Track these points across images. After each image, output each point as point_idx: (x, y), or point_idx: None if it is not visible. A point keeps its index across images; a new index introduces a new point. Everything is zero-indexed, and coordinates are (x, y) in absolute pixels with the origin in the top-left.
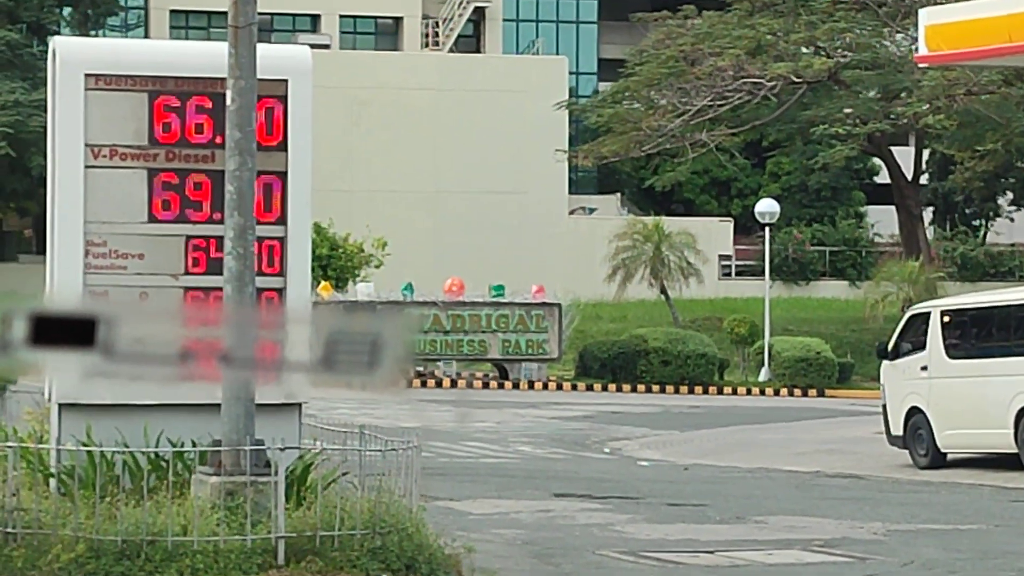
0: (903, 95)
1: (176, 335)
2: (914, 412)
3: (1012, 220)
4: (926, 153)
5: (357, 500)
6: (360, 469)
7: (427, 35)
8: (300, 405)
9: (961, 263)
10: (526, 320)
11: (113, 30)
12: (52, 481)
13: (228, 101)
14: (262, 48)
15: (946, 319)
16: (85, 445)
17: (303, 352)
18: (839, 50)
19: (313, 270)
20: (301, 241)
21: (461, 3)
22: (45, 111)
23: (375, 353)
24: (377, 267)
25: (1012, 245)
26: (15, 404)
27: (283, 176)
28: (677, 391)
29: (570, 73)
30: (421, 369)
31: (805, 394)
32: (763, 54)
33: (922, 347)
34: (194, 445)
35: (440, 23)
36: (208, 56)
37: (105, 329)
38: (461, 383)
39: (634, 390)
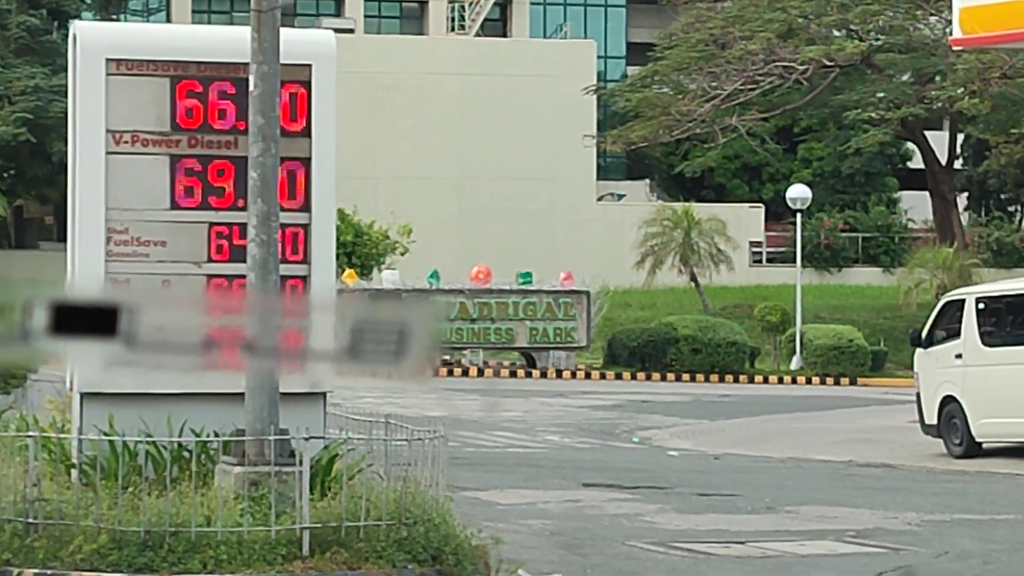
0: (937, 79)
1: (199, 323)
2: (948, 401)
3: None
4: (960, 137)
5: (383, 490)
6: (386, 459)
7: (453, 19)
8: (325, 394)
9: (996, 249)
10: (554, 308)
11: (134, 14)
12: (74, 471)
13: (251, 86)
14: (285, 33)
15: (981, 306)
16: (107, 435)
17: (328, 340)
18: (872, 33)
19: (337, 257)
20: (325, 228)
21: None
22: (66, 97)
23: (401, 342)
24: (402, 254)
25: None
26: (36, 393)
27: (307, 162)
28: (707, 380)
29: (598, 57)
30: (448, 358)
31: (837, 382)
32: (794, 37)
33: (956, 335)
34: (217, 435)
35: (466, 7)
36: (231, 41)
37: (127, 318)
38: (488, 372)
39: (663, 379)
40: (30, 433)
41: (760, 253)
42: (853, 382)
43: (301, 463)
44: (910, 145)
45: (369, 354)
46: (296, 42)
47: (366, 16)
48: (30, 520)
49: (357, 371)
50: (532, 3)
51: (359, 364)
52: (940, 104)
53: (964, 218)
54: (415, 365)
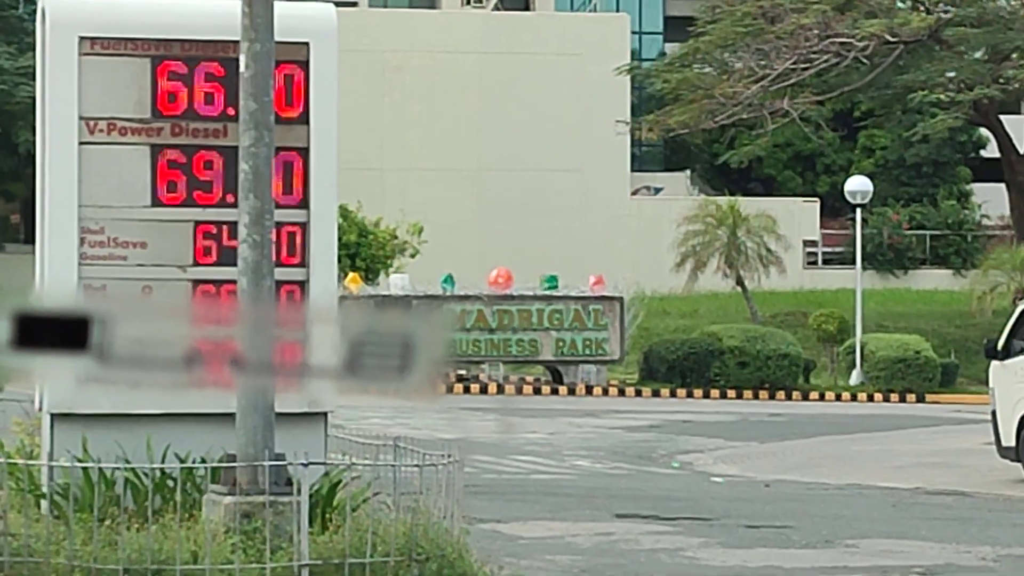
0: (1014, 56)
1: (183, 335)
2: None
3: None
4: None
5: (391, 522)
6: (394, 487)
7: None
8: (326, 414)
9: None
10: (583, 316)
11: None
12: (44, 502)
13: (242, 67)
14: (280, 7)
15: None
16: (81, 461)
17: (328, 355)
18: (941, 5)
19: (340, 260)
20: (326, 227)
21: None
22: (33, 80)
23: (407, 355)
24: (412, 256)
25: None
26: (1, 414)
27: (305, 153)
28: (756, 397)
29: (632, 33)
30: (463, 373)
31: (903, 399)
32: (853, 10)
33: None
34: (204, 460)
35: None
36: (219, 16)
37: (101, 329)
38: (509, 388)
39: (706, 396)
40: None
41: (815, 254)
42: (920, 399)
43: (299, 492)
44: (984, 131)
45: (373, 370)
46: (292, 17)
47: None
48: None
49: (360, 389)
50: None
51: (362, 381)
52: (1017, 85)
53: None
54: (423, 381)
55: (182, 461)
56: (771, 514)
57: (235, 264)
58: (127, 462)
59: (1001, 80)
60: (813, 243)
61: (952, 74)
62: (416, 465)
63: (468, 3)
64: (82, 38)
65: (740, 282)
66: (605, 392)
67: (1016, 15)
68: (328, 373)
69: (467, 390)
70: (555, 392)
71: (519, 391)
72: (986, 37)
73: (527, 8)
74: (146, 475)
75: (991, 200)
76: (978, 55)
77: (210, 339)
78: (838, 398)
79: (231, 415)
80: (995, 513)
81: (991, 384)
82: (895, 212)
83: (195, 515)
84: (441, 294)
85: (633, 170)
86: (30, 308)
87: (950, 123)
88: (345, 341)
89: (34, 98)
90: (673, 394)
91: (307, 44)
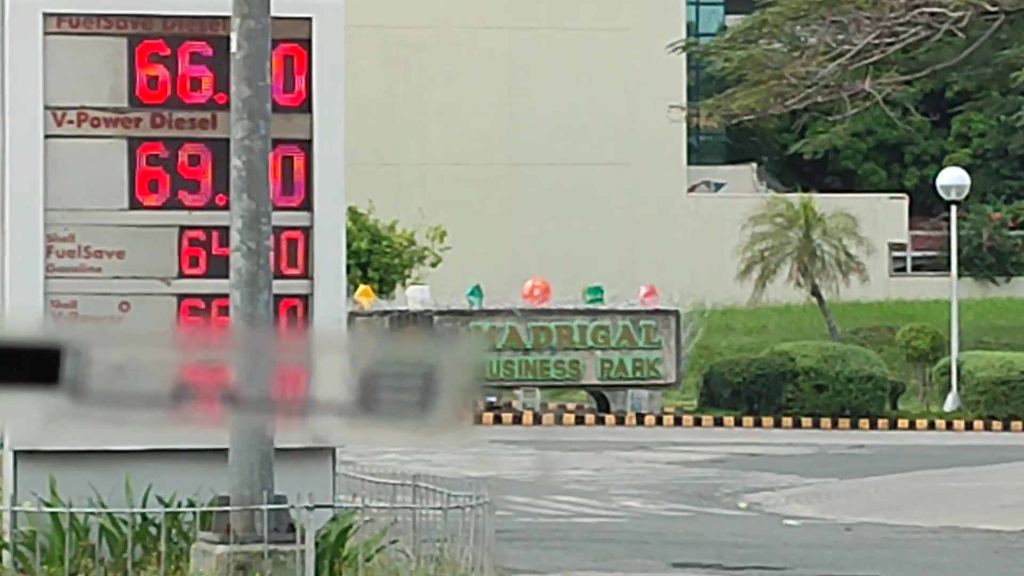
0: None
1: (169, 365)
2: None
3: None
4: None
5: (410, 574)
6: (414, 533)
7: None
8: (333, 450)
9: None
10: (632, 333)
11: None
12: (6, 553)
13: (233, 47)
14: None
15: None
16: (49, 505)
17: (337, 387)
18: None
19: (349, 270)
20: (332, 232)
21: None
22: None
23: (431, 387)
24: (433, 265)
25: None
26: None
27: (307, 146)
28: (835, 426)
29: (688, 4)
30: (494, 400)
31: (1007, 427)
32: None
33: None
34: (192, 504)
35: None
36: None
37: (75, 362)
38: (547, 418)
39: (777, 425)
40: None
41: (903, 259)
42: None
43: (303, 540)
44: None
45: (390, 404)
46: None
47: None
48: None
49: (376, 427)
50: None
51: (378, 417)
52: None
53: None
54: (449, 417)
55: (166, 505)
56: (854, 562)
57: (227, 276)
58: (102, 506)
59: None
60: (900, 247)
61: None
62: (439, 508)
63: None
64: (47, 15)
65: (816, 292)
66: (659, 421)
67: None
68: (338, 409)
69: (498, 420)
70: (601, 422)
71: (559, 421)
72: None
73: None
74: (124, 521)
75: None
76: None
77: (198, 369)
78: (931, 426)
79: (223, 451)
80: None
81: None
82: (996, 210)
83: (182, 567)
84: (467, 309)
85: (690, 163)
86: None
87: None
88: (357, 370)
89: None
90: (738, 423)
91: (309, 20)
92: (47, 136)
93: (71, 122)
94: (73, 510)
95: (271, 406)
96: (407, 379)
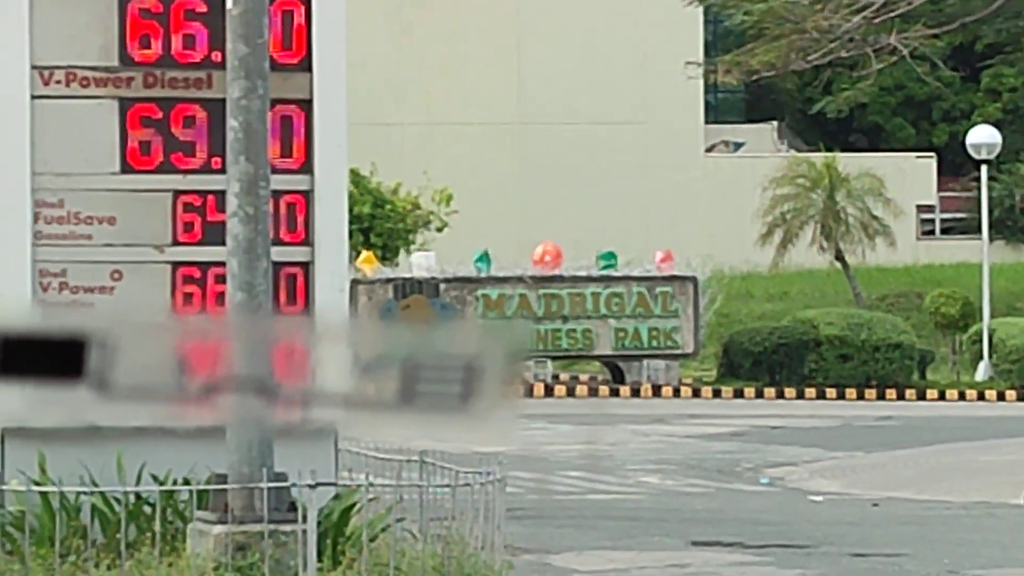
0: None
1: (162, 346)
2: None
3: None
4: None
5: (417, 555)
6: (421, 511)
7: None
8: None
9: None
10: (648, 301)
11: None
12: None
13: (229, 3)
14: None
15: None
16: (38, 484)
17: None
18: None
19: (351, 236)
20: (334, 196)
21: None
22: None
23: (472, 379)
24: (439, 230)
25: None
26: None
27: (307, 106)
28: (861, 397)
29: None
30: (527, 371)
31: None
32: None
33: None
34: (188, 482)
35: None
36: None
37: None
38: (559, 389)
39: (800, 396)
40: None
41: (932, 221)
42: None
43: (305, 519)
44: None
45: (430, 396)
46: None
47: None
48: None
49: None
50: None
51: (416, 410)
52: None
53: None
54: (490, 409)
55: (161, 483)
56: (881, 539)
57: (223, 243)
58: (94, 484)
59: None
60: (929, 208)
61: None
62: (447, 485)
63: None
64: None
65: (840, 257)
66: (676, 393)
67: None
68: (378, 402)
69: None
70: (615, 393)
71: (571, 392)
72: None
73: None
74: (117, 500)
75: None
76: None
77: (227, 361)
78: (961, 397)
79: (220, 427)
80: None
81: None
82: None
83: (178, 548)
84: (475, 276)
85: (708, 122)
86: (13, 328)
87: None
88: (398, 362)
89: None
90: (759, 394)
91: None
92: (34, 97)
93: (59, 82)
94: (64, 489)
95: (291, 397)
96: (449, 371)
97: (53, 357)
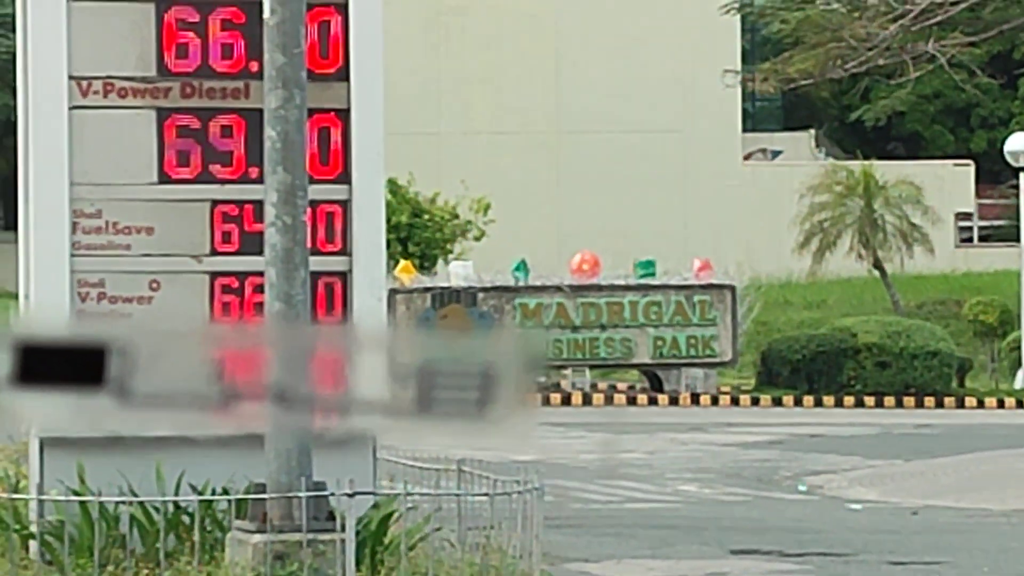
0: None
1: (212, 361)
2: None
3: None
4: None
5: (456, 563)
6: (459, 520)
7: None
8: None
9: None
10: (686, 309)
11: None
12: (33, 543)
13: (266, 13)
14: None
15: None
16: (77, 493)
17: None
18: None
19: (389, 245)
20: (371, 205)
21: None
22: (13, 32)
23: (489, 385)
24: (477, 239)
25: None
26: None
27: (344, 115)
28: (899, 404)
29: None
30: (542, 380)
31: None
32: None
33: None
34: (227, 492)
35: None
36: None
37: (120, 361)
38: (598, 398)
39: (839, 404)
40: None
41: (970, 228)
42: None
43: (343, 528)
44: None
45: (446, 403)
46: None
47: None
48: None
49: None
50: None
51: (433, 416)
52: None
53: None
54: (507, 415)
55: (200, 493)
56: (920, 548)
57: (261, 253)
58: (133, 494)
59: None
60: (967, 216)
61: None
62: (485, 494)
63: None
64: None
65: (878, 265)
66: (715, 401)
67: None
68: (395, 408)
69: (547, 401)
70: (654, 402)
71: (609, 401)
72: None
73: None
74: (156, 510)
75: None
76: None
77: (247, 367)
78: (1000, 405)
79: (259, 437)
80: None
81: None
82: None
83: (217, 558)
84: (512, 285)
85: (745, 130)
86: (36, 337)
87: None
88: (414, 369)
89: (14, 53)
90: (798, 402)
91: None
92: (72, 107)
93: (97, 93)
94: (103, 499)
95: (322, 405)
96: (465, 378)
97: (85, 367)
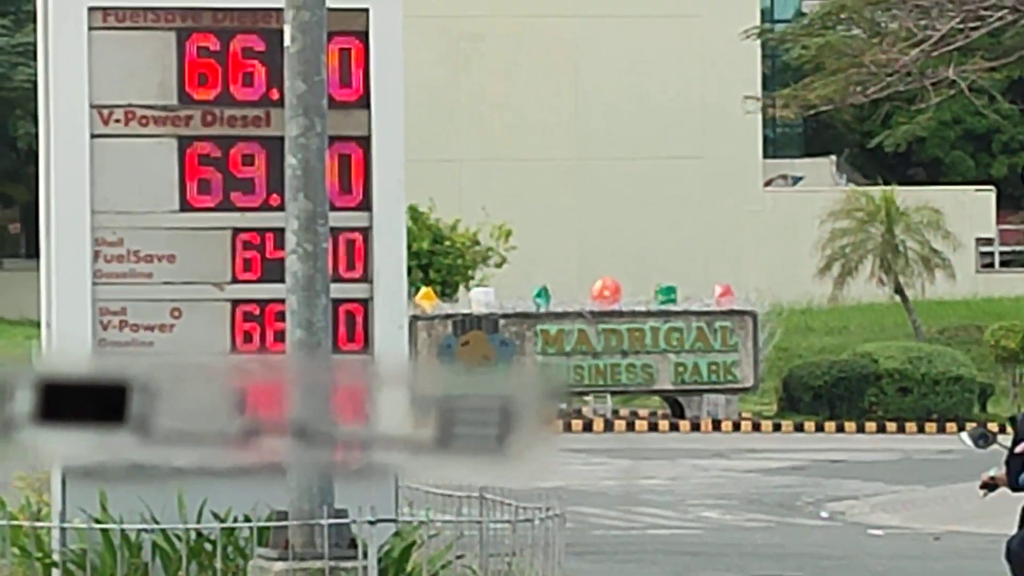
0: None
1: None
2: None
3: None
4: None
5: None
6: (481, 547)
7: None
8: None
9: None
10: (707, 335)
11: None
12: (56, 572)
13: (287, 41)
14: None
15: None
16: (99, 521)
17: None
18: None
19: (410, 272)
20: (392, 232)
21: None
22: (34, 60)
23: (508, 421)
24: (498, 266)
25: None
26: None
27: (365, 143)
28: (921, 430)
29: None
30: (564, 406)
31: None
32: None
33: None
34: (249, 519)
35: None
36: None
37: (141, 399)
38: (619, 424)
39: (861, 430)
40: None
41: (991, 254)
42: None
43: (366, 555)
44: None
45: (465, 438)
46: None
47: None
48: None
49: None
50: None
51: (452, 452)
52: None
53: None
54: (525, 451)
55: (221, 520)
56: (942, 573)
57: (282, 280)
58: (155, 522)
59: None
60: (988, 241)
61: None
62: (507, 521)
63: None
64: (92, 8)
65: (899, 290)
66: (736, 427)
67: None
68: (414, 444)
69: (568, 427)
70: (675, 428)
71: (631, 427)
72: None
73: None
74: (178, 538)
75: None
76: None
77: (265, 403)
78: None
79: (280, 464)
80: None
81: None
82: None
83: None
84: (534, 311)
85: (766, 156)
86: (58, 375)
87: None
88: (434, 404)
89: (35, 82)
90: (819, 428)
91: (366, 11)
92: (93, 136)
93: (118, 121)
94: (125, 526)
95: (343, 441)
96: (485, 413)
97: (107, 404)
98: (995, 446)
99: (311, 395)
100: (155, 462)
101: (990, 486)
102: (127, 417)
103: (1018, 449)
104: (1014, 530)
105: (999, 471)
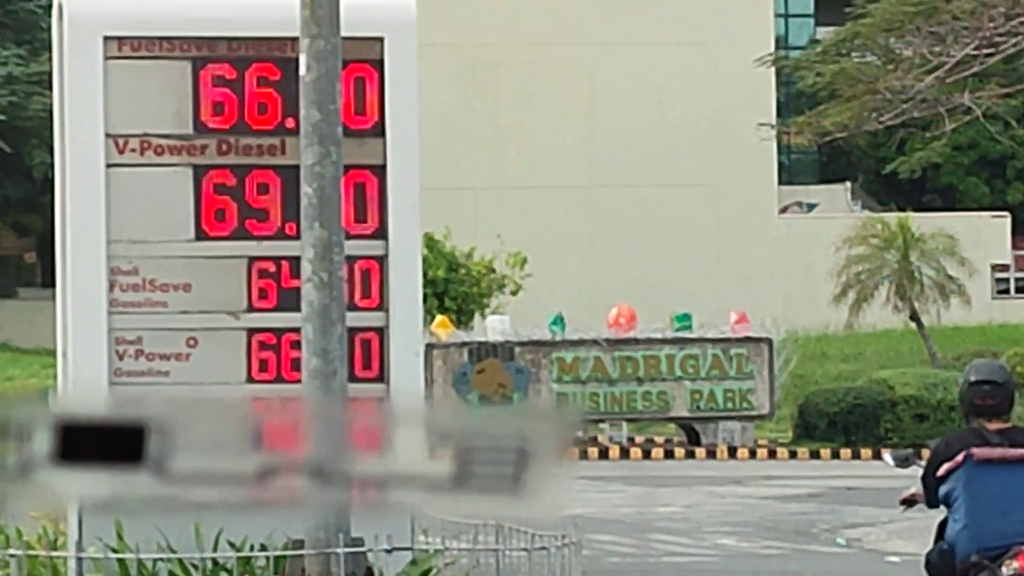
0: None
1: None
2: None
3: None
4: None
5: None
6: (498, 575)
7: None
8: None
9: None
10: (723, 362)
11: None
12: None
13: (302, 70)
14: None
15: None
16: (115, 551)
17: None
18: None
19: (426, 300)
20: (408, 260)
21: None
22: (49, 89)
23: (524, 460)
24: (514, 293)
25: None
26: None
27: (380, 171)
28: None
29: (777, 16)
30: (579, 434)
31: None
32: None
33: None
34: (265, 548)
35: None
36: (273, 8)
37: (159, 439)
38: (635, 452)
39: (876, 456)
40: (12, 551)
41: (1007, 280)
42: None
43: None
44: None
45: (482, 477)
46: (362, 7)
47: None
48: None
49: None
50: None
51: (468, 491)
52: None
53: None
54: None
55: (238, 549)
56: None
57: (298, 309)
58: (171, 551)
59: None
60: (1004, 267)
61: None
62: (524, 549)
63: None
64: (107, 38)
65: (915, 317)
66: (752, 454)
67: None
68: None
69: (584, 455)
70: (691, 455)
71: (647, 455)
72: None
73: None
74: (195, 567)
75: None
76: None
77: (282, 444)
78: None
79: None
80: None
81: None
82: None
83: None
84: (549, 339)
85: (781, 183)
86: (74, 417)
87: None
88: (450, 443)
89: (51, 111)
90: (836, 455)
91: (381, 40)
92: (109, 165)
93: (134, 150)
94: (141, 556)
95: (359, 480)
96: (501, 452)
97: (123, 446)
98: (915, 466)
99: (328, 433)
100: (172, 500)
101: (910, 502)
102: (144, 458)
103: (940, 472)
104: (930, 544)
105: (918, 489)
